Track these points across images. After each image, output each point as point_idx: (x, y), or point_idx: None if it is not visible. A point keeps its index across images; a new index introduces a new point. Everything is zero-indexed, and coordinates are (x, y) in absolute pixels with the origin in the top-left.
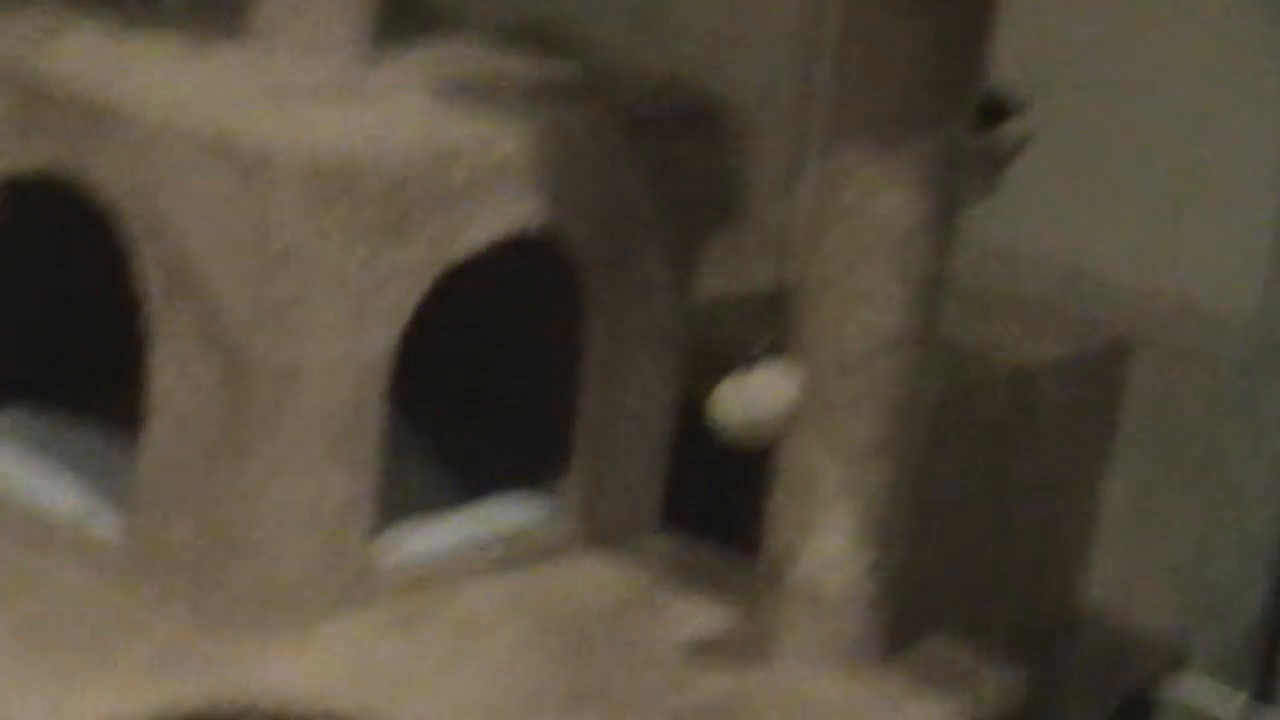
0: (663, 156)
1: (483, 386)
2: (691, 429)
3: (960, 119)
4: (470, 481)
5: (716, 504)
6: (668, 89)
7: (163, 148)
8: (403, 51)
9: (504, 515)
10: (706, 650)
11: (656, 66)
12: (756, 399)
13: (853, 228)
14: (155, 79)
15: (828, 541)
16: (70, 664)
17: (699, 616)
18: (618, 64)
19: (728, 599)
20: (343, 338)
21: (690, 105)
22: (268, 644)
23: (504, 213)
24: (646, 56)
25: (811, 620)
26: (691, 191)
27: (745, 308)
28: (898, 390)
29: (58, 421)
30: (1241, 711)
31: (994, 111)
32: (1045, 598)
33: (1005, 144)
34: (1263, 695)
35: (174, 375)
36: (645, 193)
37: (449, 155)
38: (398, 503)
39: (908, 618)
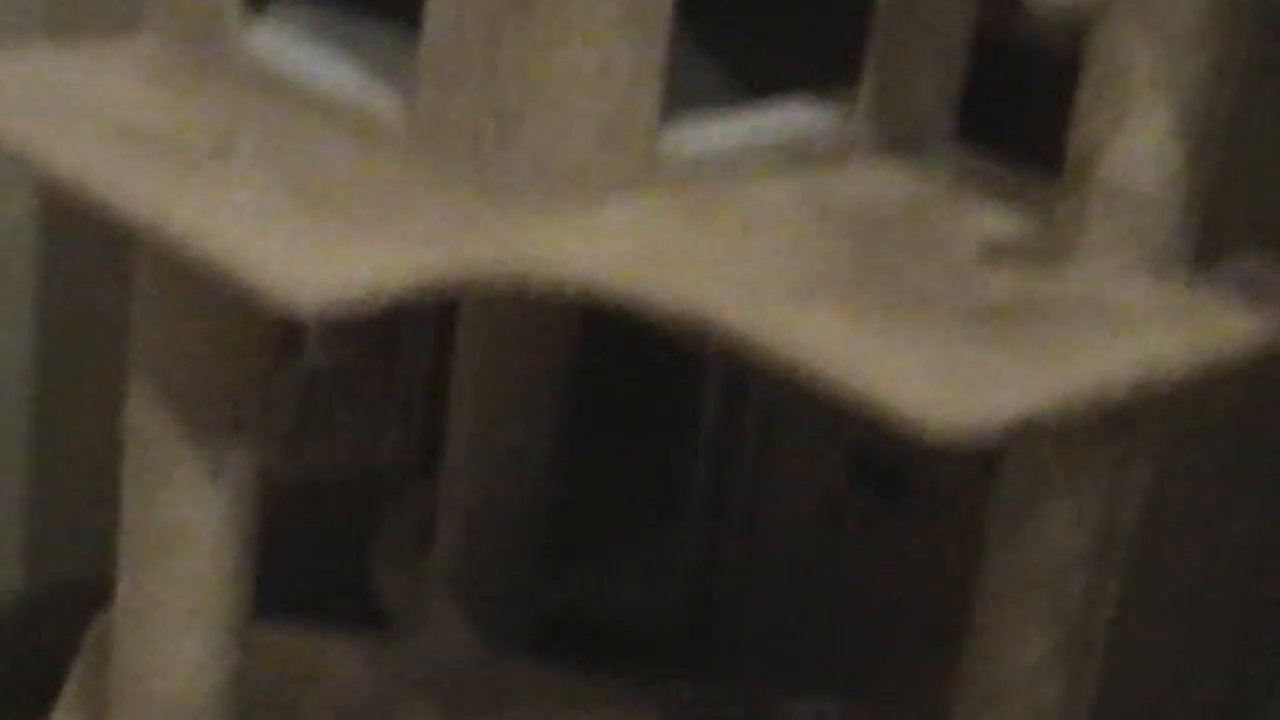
0: None
1: None
2: (989, 48)
3: None
4: (762, 82)
5: (1013, 120)
6: None
7: None
8: None
9: (795, 116)
10: (1002, 251)
11: None
12: None
13: None
14: None
15: (1139, 137)
16: (349, 229)
17: (994, 221)
18: None
19: (1024, 207)
20: None
21: None
22: (549, 220)
23: None
24: None
25: (1117, 220)
26: None
27: None
28: None
29: (335, 8)
30: None
31: None
32: None
33: None
34: None
35: None
36: None
37: None
38: (687, 96)
39: (1217, 232)
